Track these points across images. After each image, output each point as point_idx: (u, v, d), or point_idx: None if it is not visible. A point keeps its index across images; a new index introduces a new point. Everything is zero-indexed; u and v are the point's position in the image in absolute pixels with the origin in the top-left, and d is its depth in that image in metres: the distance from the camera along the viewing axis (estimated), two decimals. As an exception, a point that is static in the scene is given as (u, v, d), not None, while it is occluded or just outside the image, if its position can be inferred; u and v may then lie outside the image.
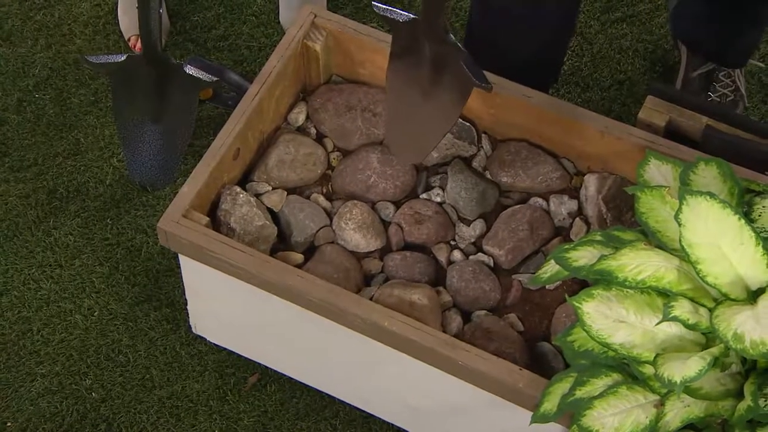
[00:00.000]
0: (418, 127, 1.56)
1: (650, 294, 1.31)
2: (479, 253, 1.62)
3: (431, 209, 1.64)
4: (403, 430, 1.71)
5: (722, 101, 1.96)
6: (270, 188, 1.66)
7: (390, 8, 1.53)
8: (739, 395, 1.28)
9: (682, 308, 1.27)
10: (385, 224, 1.64)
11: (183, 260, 1.60)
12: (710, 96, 1.97)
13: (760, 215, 1.36)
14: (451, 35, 1.48)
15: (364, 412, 1.72)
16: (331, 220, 1.64)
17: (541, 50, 1.75)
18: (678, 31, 2.01)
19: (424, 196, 1.66)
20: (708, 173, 1.40)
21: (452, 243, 1.63)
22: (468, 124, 1.70)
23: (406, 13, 1.51)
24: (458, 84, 1.51)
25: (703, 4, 1.90)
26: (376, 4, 1.52)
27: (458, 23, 2.11)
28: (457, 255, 1.62)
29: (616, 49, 2.10)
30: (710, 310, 1.27)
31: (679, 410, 1.29)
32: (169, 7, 2.13)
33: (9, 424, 1.73)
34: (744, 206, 1.37)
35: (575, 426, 1.30)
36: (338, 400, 1.73)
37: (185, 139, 1.87)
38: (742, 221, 1.27)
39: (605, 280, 1.32)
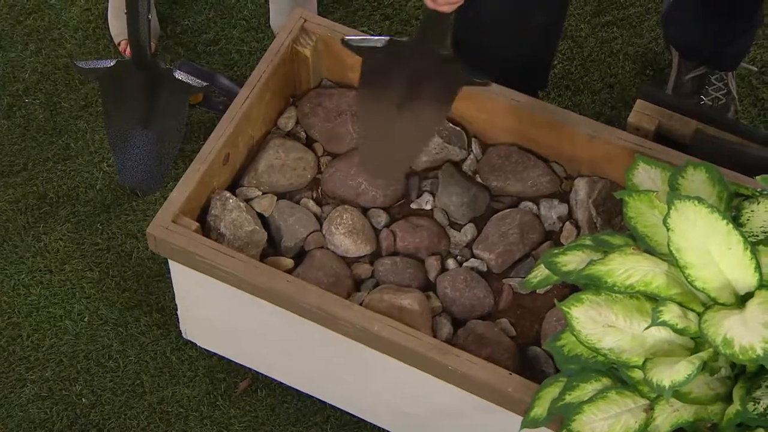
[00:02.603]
0: (395, 145, 1.56)
1: (639, 299, 1.31)
2: (471, 259, 1.62)
3: (423, 221, 1.63)
4: (394, 434, 1.71)
5: (714, 104, 1.96)
6: (260, 193, 1.65)
7: (363, 37, 1.55)
8: (728, 399, 1.28)
9: (671, 313, 1.28)
10: (376, 230, 1.64)
11: (173, 266, 1.60)
12: (702, 99, 1.97)
13: (748, 219, 1.36)
14: (446, 47, 1.49)
15: (354, 416, 1.72)
16: (321, 225, 1.64)
17: (528, 57, 1.75)
18: (670, 37, 2.01)
19: (414, 206, 1.66)
20: (697, 177, 1.40)
21: (444, 253, 1.63)
22: (458, 128, 1.70)
23: (381, 37, 1.53)
24: (441, 92, 1.51)
25: (696, 10, 1.90)
26: (348, 38, 1.54)
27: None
28: (450, 263, 1.62)
29: (606, 53, 2.10)
30: (699, 315, 1.27)
31: (668, 415, 1.29)
32: (159, 11, 2.13)
33: (-1, 430, 1.73)
34: (733, 210, 1.38)
35: (565, 430, 1.30)
36: (329, 404, 1.73)
37: (175, 143, 1.86)
38: (731, 226, 1.27)
39: (594, 284, 1.32)
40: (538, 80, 1.86)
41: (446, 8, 1.41)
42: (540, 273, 1.46)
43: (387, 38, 1.52)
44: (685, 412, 1.28)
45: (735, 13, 1.84)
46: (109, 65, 1.79)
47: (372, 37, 1.54)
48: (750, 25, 1.90)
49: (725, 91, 1.97)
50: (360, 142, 1.59)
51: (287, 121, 1.72)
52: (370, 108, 1.55)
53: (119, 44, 2.08)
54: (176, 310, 1.74)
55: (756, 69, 2.05)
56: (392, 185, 1.59)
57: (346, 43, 1.53)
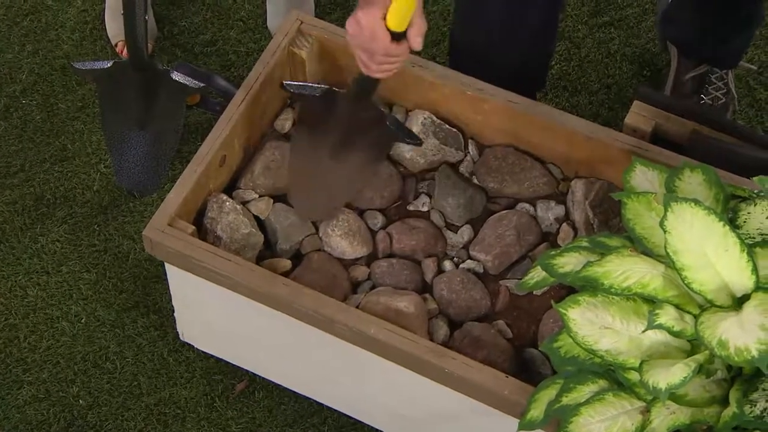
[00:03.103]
0: (327, 189, 1.61)
1: (636, 301, 1.31)
2: (468, 260, 1.62)
3: (420, 222, 1.63)
4: (391, 436, 1.71)
5: (714, 104, 1.96)
6: (256, 196, 1.65)
7: (302, 84, 1.61)
8: (724, 402, 1.28)
9: (668, 315, 1.28)
10: (372, 232, 1.64)
11: (169, 268, 1.60)
12: (702, 99, 1.97)
13: (745, 221, 1.36)
14: (374, 99, 1.56)
15: (351, 418, 1.72)
16: (317, 229, 1.64)
17: (525, 59, 1.75)
18: (670, 36, 2.01)
19: (410, 207, 1.66)
20: (694, 179, 1.40)
21: (440, 255, 1.63)
22: (455, 129, 1.70)
23: (319, 86, 1.59)
24: (377, 142, 1.57)
25: (695, 8, 1.90)
26: (287, 83, 1.61)
27: (446, 27, 2.11)
28: (446, 264, 1.62)
29: (603, 54, 2.10)
30: (695, 317, 1.27)
31: (665, 417, 1.29)
32: (156, 12, 2.13)
33: (-4, 432, 1.73)
34: (729, 212, 1.38)
35: (561, 433, 1.30)
36: (326, 406, 1.73)
37: (172, 144, 1.86)
38: (727, 228, 1.27)
39: (591, 286, 1.32)
40: (536, 81, 1.86)
41: (380, 75, 1.46)
42: (537, 274, 1.46)
43: (324, 87, 1.58)
44: (681, 415, 1.28)
45: (735, 9, 1.84)
46: (106, 66, 1.79)
47: (309, 85, 1.60)
48: (750, 20, 1.90)
49: (725, 90, 1.97)
50: (291, 188, 1.63)
51: (284, 123, 1.72)
52: (303, 154, 1.60)
53: (116, 45, 2.08)
54: (173, 311, 1.74)
55: (755, 68, 2.05)
56: (323, 219, 1.63)
57: (284, 87, 1.60)
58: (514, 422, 1.39)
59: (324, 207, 1.62)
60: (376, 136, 1.58)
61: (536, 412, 1.36)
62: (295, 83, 1.61)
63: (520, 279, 1.52)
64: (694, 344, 1.30)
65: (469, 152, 1.70)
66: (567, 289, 1.56)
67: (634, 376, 1.29)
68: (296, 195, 1.62)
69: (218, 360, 1.77)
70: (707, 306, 1.28)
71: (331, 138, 1.58)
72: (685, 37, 1.96)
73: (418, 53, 1.59)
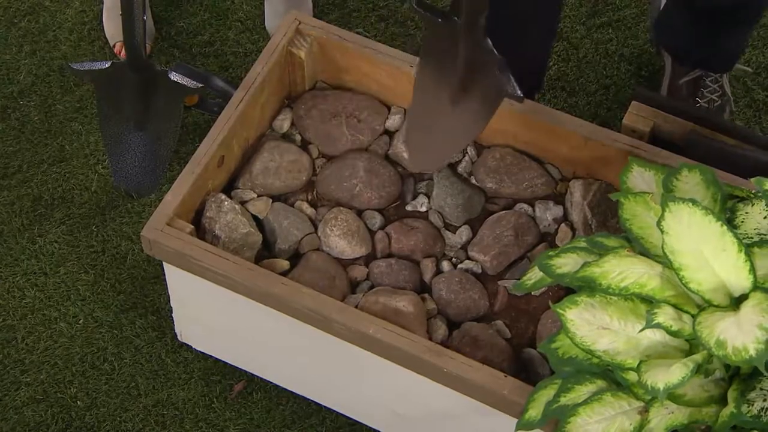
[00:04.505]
0: (440, 135, 1.52)
1: (634, 301, 1.31)
2: (466, 261, 1.62)
3: (418, 222, 1.63)
4: (390, 436, 1.71)
5: (710, 107, 1.96)
6: (255, 195, 1.65)
7: (429, 4, 1.47)
8: (722, 401, 1.28)
9: (666, 315, 1.28)
10: (371, 232, 1.64)
11: (167, 268, 1.60)
12: (698, 102, 1.97)
13: (743, 221, 1.36)
14: (489, 40, 1.43)
15: (350, 419, 1.72)
16: (315, 228, 1.64)
17: (523, 59, 1.75)
18: (662, 42, 2.01)
19: (409, 207, 1.66)
20: (691, 179, 1.41)
21: (439, 255, 1.63)
22: (453, 130, 1.70)
23: (446, 13, 1.46)
24: (489, 93, 1.46)
25: (686, 14, 1.90)
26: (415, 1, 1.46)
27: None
28: (445, 265, 1.62)
29: (601, 54, 2.10)
30: (693, 317, 1.27)
31: (663, 417, 1.29)
32: (154, 13, 2.13)
33: (-6, 433, 1.73)
34: (727, 212, 1.38)
35: (560, 433, 1.30)
36: (324, 407, 1.73)
37: (170, 145, 1.86)
38: (725, 228, 1.27)
39: (589, 286, 1.32)
40: (534, 82, 1.86)
41: None
42: (535, 275, 1.46)
43: (452, 17, 1.41)
44: (679, 415, 1.28)
45: (725, 15, 1.84)
46: (104, 67, 1.79)
47: (437, 10, 1.44)
48: (744, 27, 1.90)
49: (720, 93, 1.97)
50: (409, 129, 1.52)
51: (282, 123, 1.72)
52: (427, 92, 1.49)
53: (114, 46, 2.08)
54: (171, 312, 1.74)
55: (751, 71, 2.05)
56: (429, 170, 1.52)
57: (415, 5, 1.44)
58: (513, 422, 1.39)
59: (435, 157, 1.53)
60: (488, 85, 1.46)
61: (534, 412, 1.36)
62: (424, 2, 1.46)
63: (519, 279, 1.52)
64: (692, 344, 1.30)
65: (467, 153, 1.70)
66: (565, 290, 1.56)
67: (632, 376, 1.29)
68: (413, 139, 1.53)
69: (216, 360, 1.77)
70: (705, 306, 1.28)
71: (453, 79, 1.48)
72: (676, 43, 1.96)
73: (418, 54, 1.59)
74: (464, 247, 1.64)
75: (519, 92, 1.45)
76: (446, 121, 1.51)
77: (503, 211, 1.66)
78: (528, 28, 1.70)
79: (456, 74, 1.48)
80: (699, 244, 1.27)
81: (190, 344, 1.78)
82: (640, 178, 1.45)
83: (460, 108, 1.50)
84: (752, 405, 1.25)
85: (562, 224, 1.64)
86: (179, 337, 1.78)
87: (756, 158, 1.64)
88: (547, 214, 1.65)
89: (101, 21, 2.12)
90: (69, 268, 1.87)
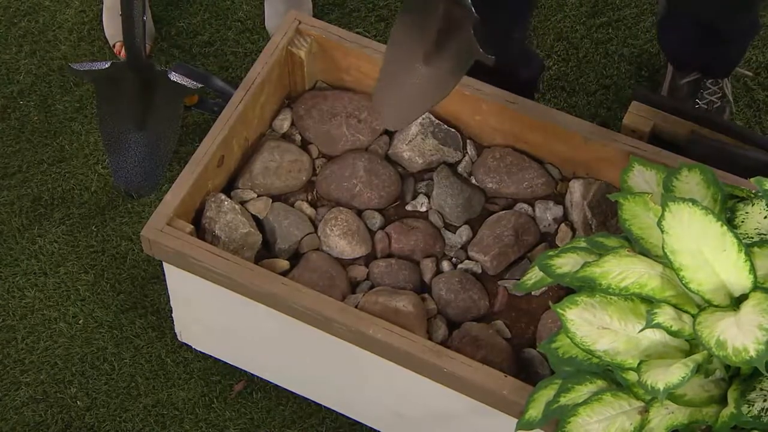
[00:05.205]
0: (411, 92, 1.49)
1: (634, 301, 1.31)
2: (466, 261, 1.62)
3: (418, 222, 1.63)
4: (390, 436, 1.71)
5: (710, 108, 1.96)
6: (255, 195, 1.65)
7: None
8: (722, 402, 1.28)
9: (666, 315, 1.28)
10: (371, 232, 1.64)
11: (167, 268, 1.60)
12: (698, 103, 1.97)
13: (743, 221, 1.36)
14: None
15: (350, 419, 1.72)
16: (315, 228, 1.64)
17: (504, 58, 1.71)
18: (663, 48, 2.01)
19: (409, 207, 1.66)
20: (691, 179, 1.40)
21: (438, 255, 1.63)
22: (453, 130, 1.70)
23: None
24: (462, 52, 1.44)
25: (687, 21, 1.89)
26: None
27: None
28: (445, 265, 1.62)
29: (601, 54, 2.10)
30: (693, 317, 1.27)
31: (663, 417, 1.29)
32: (154, 13, 2.13)
33: (-7, 433, 1.73)
34: (727, 212, 1.38)
35: (560, 433, 1.30)
36: (324, 407, 1.73)
37: (170, 145, 1.86)
38: (725, 228, 1.27)
39: (589, 286, 1.32)
40: (528, 77, 1.85)
41: None
42: (535, 275, 1.46)
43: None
44: (679, 415, 1.28)
45: (725, 24, 1.84)
46: (103, 67, 1.79)
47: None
48: (744, 35, 1.90)
49: (720, 94, 1.97)
50: (380, 84, 1.50)
51: (282, 123, 1.72)
52: (400, 48, 1.47)
53: (114, 46, 2.08)
54: (171, 312, 1.74)
55: (751, 74, 2.05)
56: (397, 127, 1.50)
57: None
58: (513, 422, 1.39)
59: (405, 114, 1.51)
60: (462, 44, 1.43)
61: (534, 412, 1.36)
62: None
63: (519, 279, 1.52)
64: (692, 344, 1.30)
65: (467, 152, 1.70)
66: (565, 290, 1.56)
67: (632, 376, 1.29)
68: (384, 95, 1.51)
69: (216, 360, 1.77)
70: (705, 306, 1.28)
71: (428, 36, 1.46)
72: (676, 49, 1.96)
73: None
74: (464, 247, 1.64)
75: (488, 54, 1.42)
76: (418, 79, 1.48)
77: (503, 211, 1.66)
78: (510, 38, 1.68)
79: (431, 31, 1.46)
80: (699, 244, 1.27)
81: (190, 344, 1.78)
82: (641, 177, 1.45)
83: (432, 66, 1.47)
84: (752, 405, 1.25)
85: (562, 224, 1.64)
86: (179, 337, 1.78)
87: (756, 158, 1.64)
88: (547, 214, 1.65)
89: (101, 21, 2.12)
90: (69, 268, 1.87)
